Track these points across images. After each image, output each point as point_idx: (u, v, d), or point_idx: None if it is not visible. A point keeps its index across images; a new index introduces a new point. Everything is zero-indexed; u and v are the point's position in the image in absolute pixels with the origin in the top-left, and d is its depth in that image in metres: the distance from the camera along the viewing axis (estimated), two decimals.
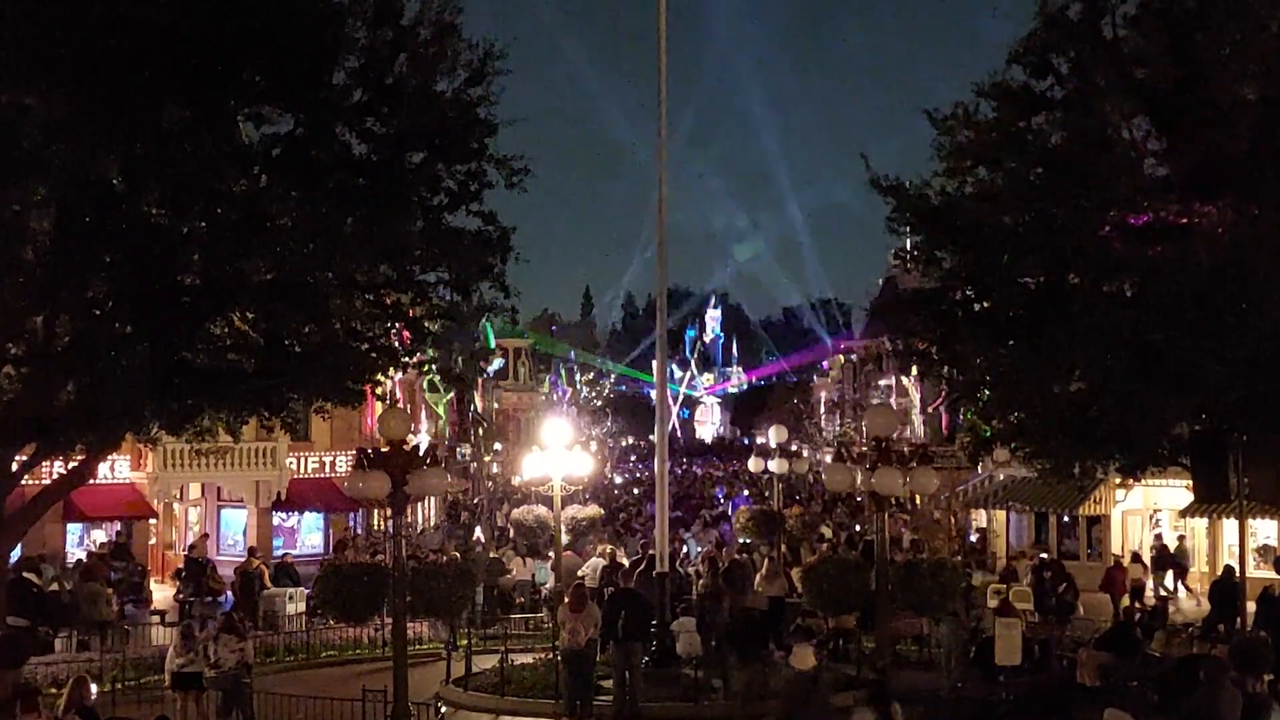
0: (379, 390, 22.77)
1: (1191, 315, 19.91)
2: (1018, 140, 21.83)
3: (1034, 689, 21.51)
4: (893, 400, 62.77)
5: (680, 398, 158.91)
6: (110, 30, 16.40)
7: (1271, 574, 31.02)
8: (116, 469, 37.75)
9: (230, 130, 18.64)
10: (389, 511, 16.34)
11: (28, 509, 20.06)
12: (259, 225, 17.92)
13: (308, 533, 44.60)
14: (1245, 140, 19.96)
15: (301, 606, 30.32)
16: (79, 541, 38.56)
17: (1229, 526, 32.35)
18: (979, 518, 46.23)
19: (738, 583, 27.05)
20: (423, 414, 57.49)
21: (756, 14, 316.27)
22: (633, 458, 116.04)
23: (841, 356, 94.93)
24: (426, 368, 26.46)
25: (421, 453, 16.03)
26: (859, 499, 35.16)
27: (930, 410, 56.95)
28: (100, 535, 38.95)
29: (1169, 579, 34.87)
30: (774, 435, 36.59)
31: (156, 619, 30.33)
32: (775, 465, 34.82)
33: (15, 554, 23.78)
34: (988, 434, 24.48)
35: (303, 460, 42.95)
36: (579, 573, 29.85)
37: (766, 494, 44.24)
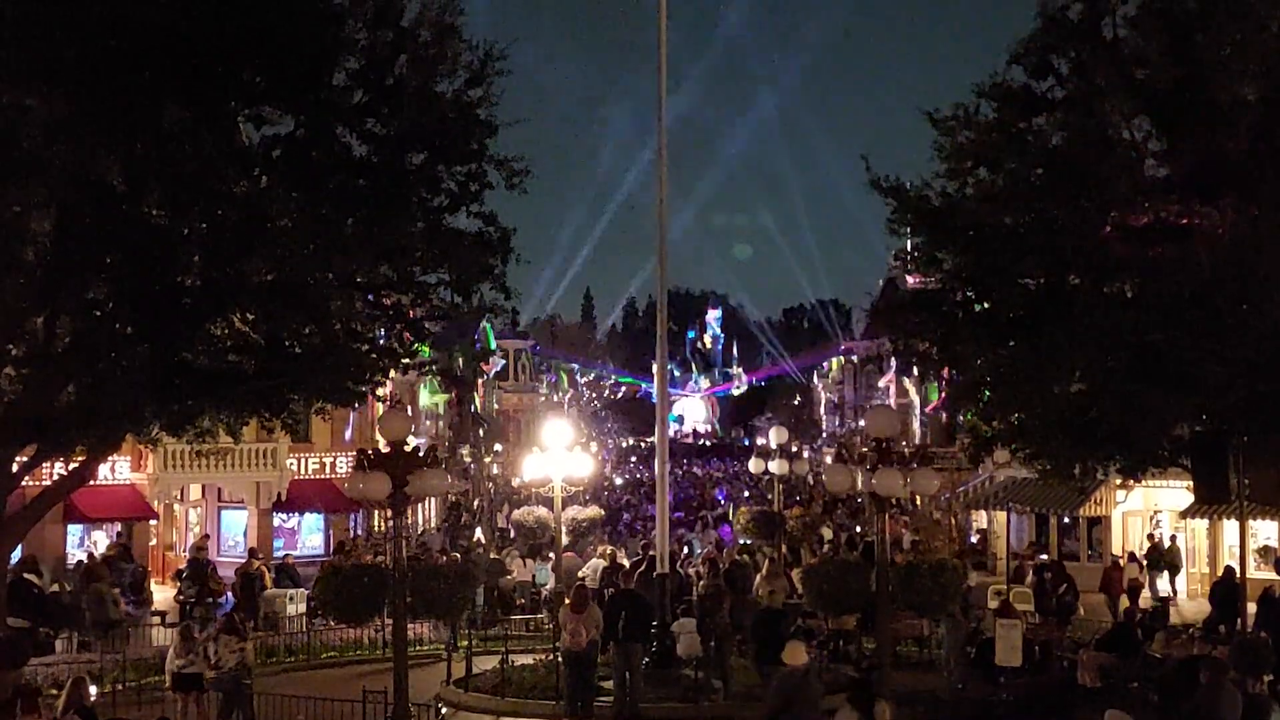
0: (380, 392, 22.74)
1: (1192, 316, 19.91)
2: (1018, 141, 21.84)
3: (1034, 690, 21.50)
4: (892, 401, 62.75)
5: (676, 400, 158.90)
6: (111, 31, 16.42)
7: (1272, 575, 31.03)
8: (117, 470, 37.74)
9: (231, 131, 18.67)
10: (389, 512, 16.33)
11: (28, 510, 20.07)
12: (259, 226, 17.93)
13: (308, 534, 44.58)
14: (1245, 141, 19.98)
15: (302, 607, 30.32)
16: (79, 543, 38.56)
17: (1229, 527, 32.34)
18: (979, 519, 46.22)
19: (738, 583, 27.05)
20: (423, 415, 57.52)
21: (757, 13, 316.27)
22: (633, 459, 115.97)
23: (840, 358, 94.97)
24: (427, 369, 26.40)
25: (421, 454, 16.01)
26: (859, 500, 35.20)
27: (928, 411, 56.97)
28: (101, 536, 38.96)
29: (1164, 580, 34.82)
30: (774, 436, 36.58)
31: (157, 620, 30.32)
32: (776, 466, 34.81)
33: (15, 555, 23.75)
34: (988, 435, 24.46)
35: (303, 461, 42.95)
36: (579, 574, 29.85)
37: (769, 495, 44.21)
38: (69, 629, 27.23)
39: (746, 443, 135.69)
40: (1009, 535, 41.20)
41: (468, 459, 65.91)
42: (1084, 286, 21.54)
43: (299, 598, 30.73)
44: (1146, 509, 38.42)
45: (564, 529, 30.84)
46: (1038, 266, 21.98)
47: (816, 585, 19.43)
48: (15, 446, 19.04)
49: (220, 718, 19.93)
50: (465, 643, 26.11)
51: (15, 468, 19.19)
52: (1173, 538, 36.40)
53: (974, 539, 45.95)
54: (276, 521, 43.49)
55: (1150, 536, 36.45)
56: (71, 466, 21.68)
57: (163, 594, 34.56)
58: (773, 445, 36.64)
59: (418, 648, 25.74)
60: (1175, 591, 34.55)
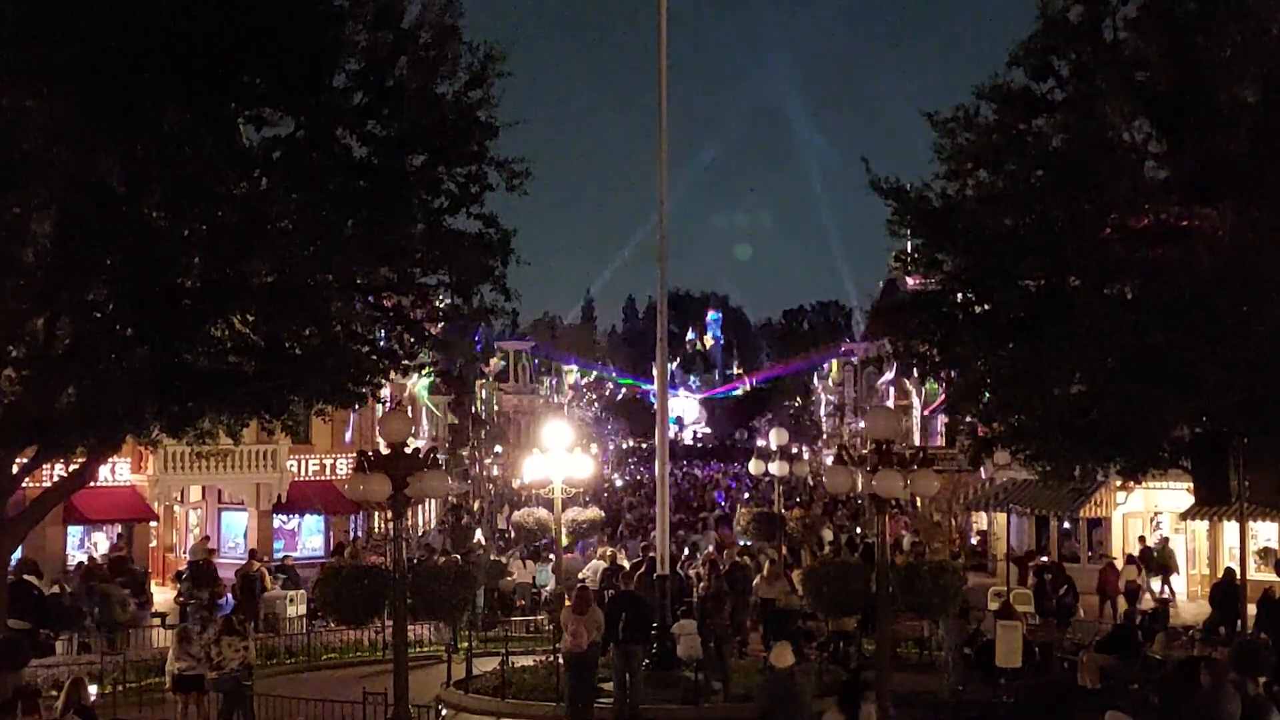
0: (379, 393, 22.74)
1: (1192, 317, 19.92)
2: (1018, 143, 21.85)
3: (1034, 691, 21.53)
4: (891, 402, 62.73)
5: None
6: (111, 32, 16.41)
7: (1272, 576, 31.00)
8: (117, 471, 37.76)
9: (231, 133, 18.66)
10: (390, 514, 16.32)
11: (28, 512, 20.06)
12: (259, 228, 17.93)
13: (308, 535, 44.59)
14: (1246, 142, 19.98)
15: (302, 609, 30.34)
16: (80, 544, 38.58)
17: (1230, 529, 32.34)
18: (979, 520, 46.23)
19: (739, 584, 27.06)
20: (423, 417, 57.53)
21: (757, 11, 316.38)
22: (632, 461, 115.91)
23: (838, 362, 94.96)
24: (427, 370, 26.42)
25: (422, 455, 16.01)
26: (859, 501, 35.17)
27: (927, 413, 56.95)
28: (101, 538, 38.99)
29: (1156, 582, 34.76)
30: (774, 438, 36.59)
31: (157, 621, 30.33)
32: (776, 467, 34.82)
33: (15, 556, 23.76)
34: (988, 436, 24.48)
35: (303, 463, 42.96)
36: (579, 575, 29.86)
37: (771, 496, 44.21)
38: (69, 630, 27.23)
39: (750, 443, 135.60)
40: (1009, 537, 41.20)
41: (468, 460, 65.95)
42: (1084, 288, 21.54)
43: (299, 599, 30.74)
44: (1147, 510, 38.41)
45: (564, 530, 30.85)
46: (1038, 268, 21.99)
47: (816, 586, 19.41)
48: (15, 448, 19.03)
49: (220, 719, 19.94)
50: (465, 644, 26.11)
51: (15, 469, 19.19)
52: (1164, 540, 36.31)
53: (974, 540, 45.98)
54: (277, 523, 43.51)
55: (1141, 539, 36.39)
56: (71, 468, 21.69)
57: (162, 595, 34.56)
58: (773, 446, 36.66)
59: (418, 649, 25.76)
60: (1169, 593, 34.46)
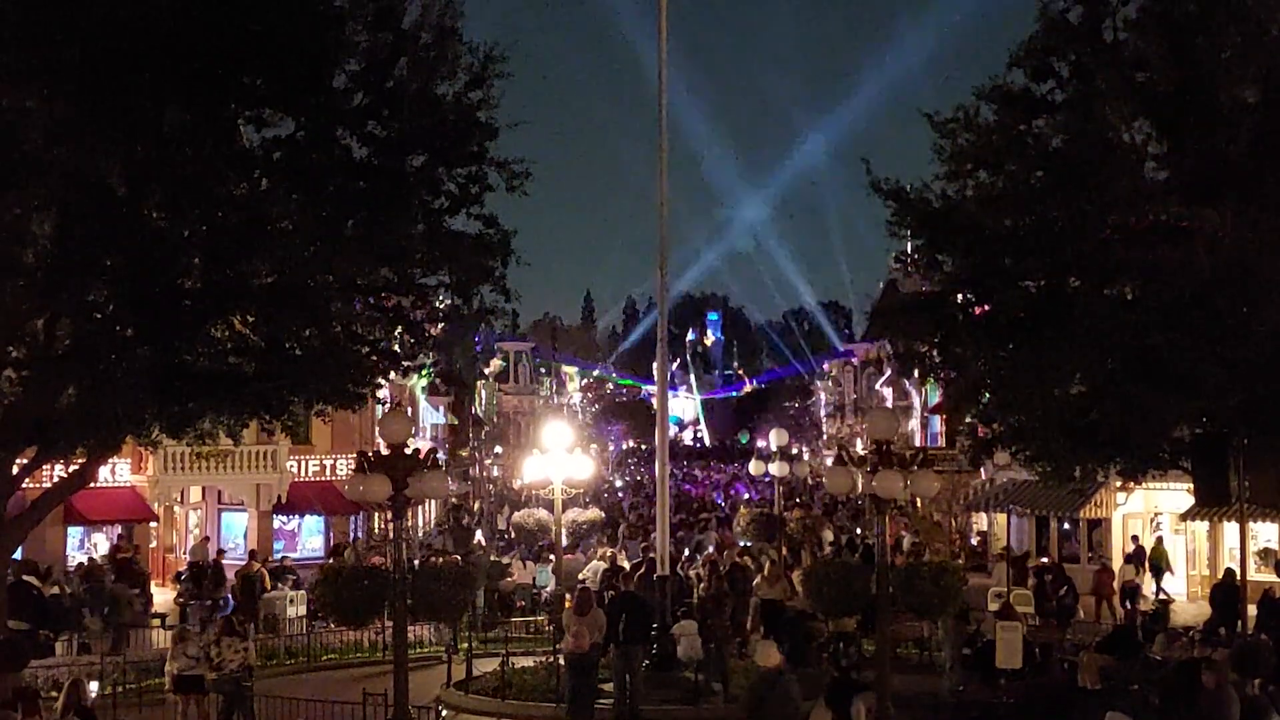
0: (380, 394, 22.74)
1: (1192, 318, 19.93)
2: (1018, 143, 21.85)
3: (1035, 692, 21.49)
4: (890, 403, 62.74)
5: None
6: (111, 33, 16.41)
7: (1272, 577, 31.01)
8: (117, 472, 37.73)
9: (231, 133, 18.67)
10: (390, 514, 16.33)
11: (28, 512, 20.07)
12: (260, 228, 17.93)
13: (308, 536, 44.56)
14: (1246, 143, 19.99)
15: (302, 610, 30.33)
16: (80, 545, 38.56)
17: (1230, 529, 32.34)
18: (979, 521, 46.22)
19: (739, 585, 27.05)
20: (422, 417, 57.52)
21: (758, 10, 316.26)
22: (632, 462, 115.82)
23: (837, 364, 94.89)
24: (426, 371, 26.44)
25: (422, 456, 16.02)
26: (860, 502, 35.16)
27: (927, 414, 56.96)
28: (101, 538, 38.97)
29: (1150, 581, 34.71)
30: (775, 438, 36.60)
31: (156, 622, 30.32)
32: (776, 468, 34.81)
33: (15, 557, 23.76)
34: (988, 437, 24.49)
35: (303, 463, 42.94)
36: (579, 576, 29.85)
37: (771, 497, 44.24)
38: (69, 631, 27.22)
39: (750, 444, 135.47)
40: (1009, 538, 41.20)
41: (468, 461, 65.94)
42: (1084, 289, 21.56)
43: (299, 600, 30.73)
44: (1147, 511, 38.39)
45: (564, 531, 30.85)
46: (1038, 269, 22.00)
47: (817, 587, 19.42)
48: (15, 449, 19.04)
49: (220, 719, 19.94)
50: (466, 645, 26.11)
51: (15, 470, 19.19)
52: (1158, 540, 36.24)
53: (974, 541, 45.96)
54: (277, 523, 43.47)
55: (1134, 539, 36.34)
56: (71, 469, 21.68)
57: (162, 596, 34.56)
58: (773, 447, 36.65)
59: (418, 650, 25.74)
60: (1163, 594, 34.37)
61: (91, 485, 26.43)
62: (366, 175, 18.72)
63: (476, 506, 60.34)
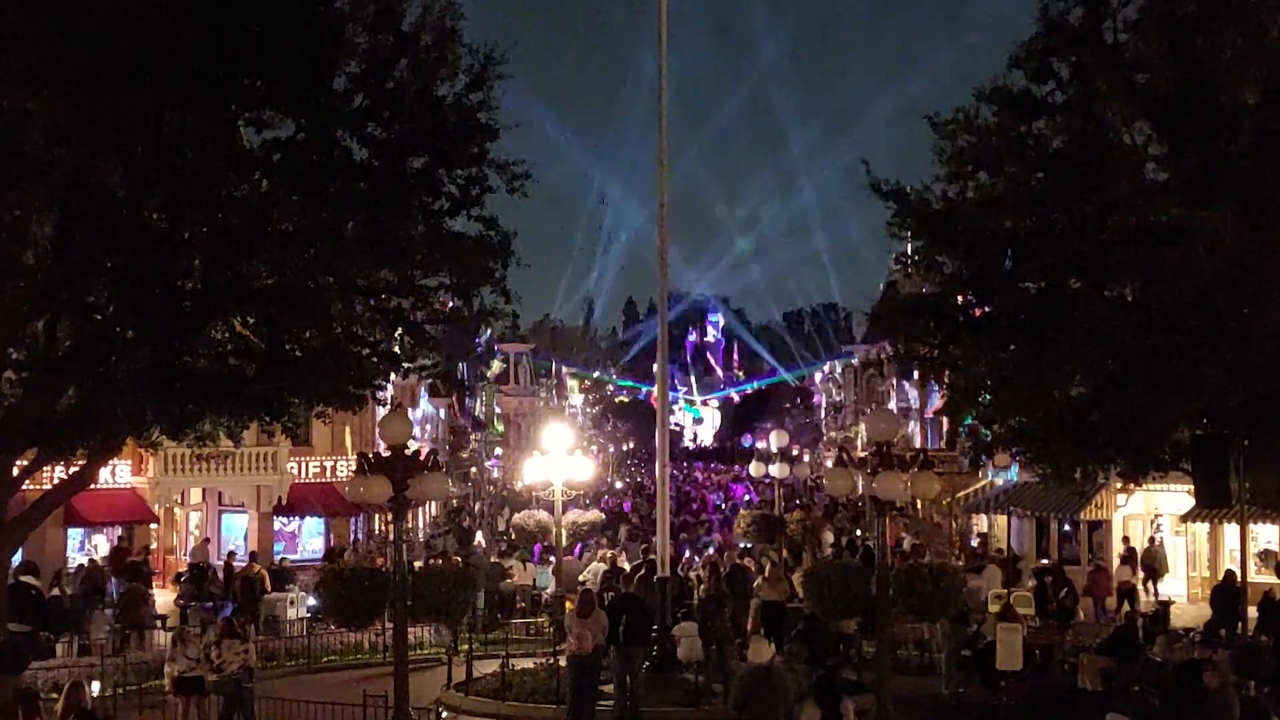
0: (380, 395, 22.75)
1: (1192, 319, 19.93)
2: (1019, 145, 21.86)
3: (1035, 694, 21.46)
4: (893, 404, 62.72)
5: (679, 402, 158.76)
6: (111, 35, 16.43)
7: (1272, 579, 30.97)
8: (117, 474, 37.72)
9: (231, 135, 18.68)
10: (390, 516, 16.33)
11: (28, 514, 20.07)
12: (260, 230, 17.94)
13: (309, 537, 44.53)
14: (1246, 145, 19.99)
15: (303, 611, 30.31)
16: (80, 547, 38.56)
17: (1230, 531, 32.32)
18: (980, 522, 46.20)
19: (739, 587, 27.03)
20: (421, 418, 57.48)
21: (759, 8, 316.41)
22: (631, 462, 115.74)
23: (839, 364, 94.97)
24: (425, 372, 26.40)
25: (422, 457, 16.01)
26: (860, 503, 35.15)
27: (930, 414, 56.92)
28: (101, 540, 38.97)
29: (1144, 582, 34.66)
30: (775, 440, 36.58)
31: (157, 623, 30.29)
32: (776, 470, 34.78)
33: (16, 559, 23.76)
34: (988, 438, 24.48)
35: (304, 465, 42.93)
36: (580, 577, 29.82)
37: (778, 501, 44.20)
38: (69, 633, 27.20)
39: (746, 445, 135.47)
40: (1009, 539, 41.18)
41: (468, 462, 65.89)
42: (1085, 290, 21.56)
43: (299, 601, 30.71)
44: (1147, 513, 38.36)
45: (564, 533, 30.83)
46: (1038, 270, 22.00)
47: (817, 589, 19.40)
48: (16, 450, 19.05)
49: None
50: (466, 646, 26.08)
51: (15, 471, 19.20)
52: (1150, 540, 36.17)
53: (974, 543, 45.92)
54: (277, 525, 43.46)
55: (1125, 539, 36.29)
56: (72, 470, 21.69)
57: (163, 598, 34.53)
58: (773, 449, 36.64)
59: (418, 651, 25.73)
60: (1157, 596, 34.28)
61: (92, 487, 26.44)
62: (367, 177, 18.73)
63: (477, 508, 60.33)
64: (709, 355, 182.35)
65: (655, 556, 25.44)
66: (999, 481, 41.97)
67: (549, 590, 31.01)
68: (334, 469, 43.34)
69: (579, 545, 36.45)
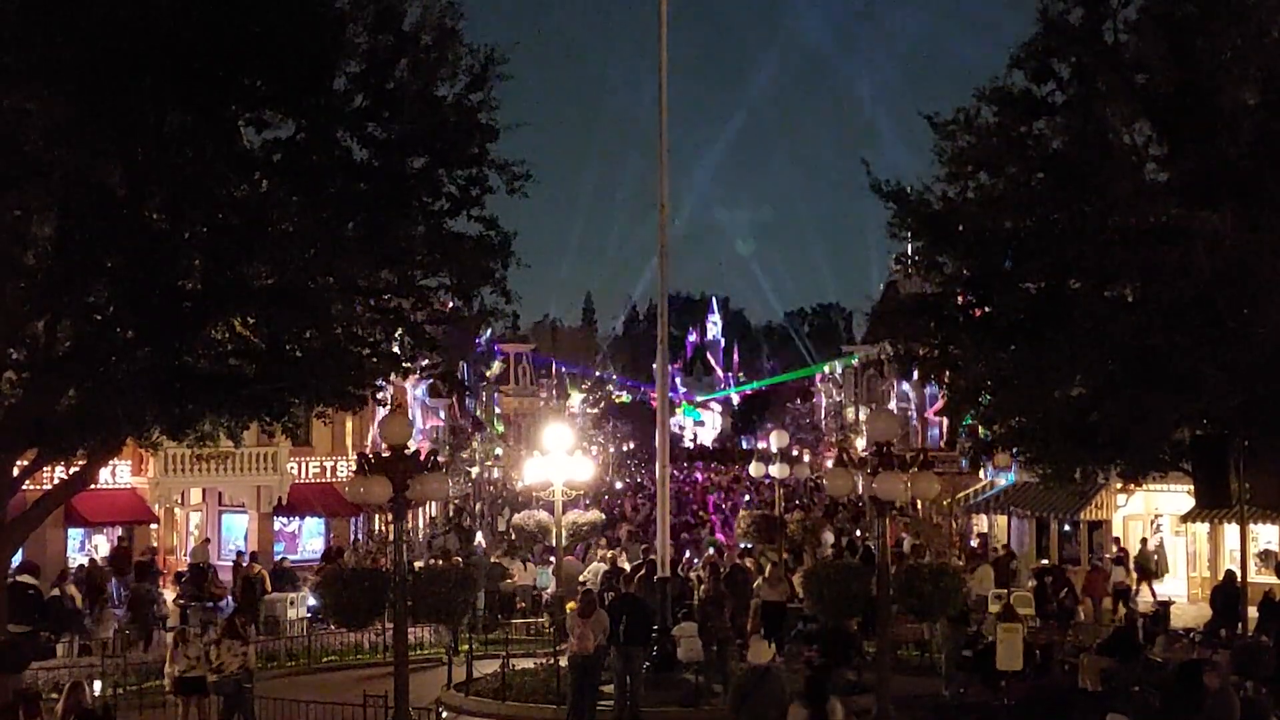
0: (380, 395, 22.75)
1: (1192, 320, 19.93)
2: (1019, 145, 21.86)
3: (1036, 694, 21.48)
4: (894, 405, 62.70)
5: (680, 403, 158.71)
6: (112, 35, 16.42)
7: (1272, 579, 30.99)
8: (117, 474, 37.75)
9: (231, 135, 18.67)
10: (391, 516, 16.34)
11: (28, 514, 20.06)
12: (260, 230, 17.94)
13: (309, 537, 44.55)
14: (1246, 145, 19.99)
15: (303, 611, 30.32)
16: (80, 547, 38.58)
17: (1230, 531, 32.32)
18: (980, 523, 46.20)
19: (739, 587, 27.04)
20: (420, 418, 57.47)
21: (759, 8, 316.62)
22: (631, 462, 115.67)
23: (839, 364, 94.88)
24: (425, 373, 26.42)
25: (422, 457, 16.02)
26: (860, 503, 35.15)
27: (930, 414, 56.92)
28: (101, 540, 38.98)
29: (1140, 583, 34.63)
30: (775, 440, 36.58)
31: (160, 623, 30.32)
32: (776, 470, 34.78)
33: (16, 559, 23.76)
34: (988, 439, 24.48)
35: (304, 465, 42.94)
36: (580, 577, 29.83)
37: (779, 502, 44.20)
38: (70, 633, 27.22)
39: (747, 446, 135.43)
40: (1010, 539, 41.18)
41: (468, 463, 65.87)
42: (1085, 290, 21.55)
43: (299, 601, 30.72)
44: (1147, 513, 38.38)
45: (564, 533, 30.84)
46: (1038, 271, 22.00)
47: (817, 589, 19.42)
48: (16, 450, 19.04)
49: None
50: (466, 646, 26.09)
51: (16, 472, 19.19)
52: (1143, 541, 36.13)
53: (974, 543, 45.92)
54: (277, 525, 43.47)
55: (1116, 540, 36.25)
56: (72, 470, 21.68)
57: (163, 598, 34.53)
58: (773, 449, 36.64)
59: (419, 652, 25.74)
60: (1155, 596, 34.24)
61: (92, 487, 26.45)
62: (367, 177, 18.73)
63: (477, 508, 60.33)
64: (709, 355, 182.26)
65: (655, 557, 25.46)
66: (999, 481, 41.99)
67: (549, 590, 31.02)
68: (334, 469, 43.37)
69: (580, 545, 36.48)
